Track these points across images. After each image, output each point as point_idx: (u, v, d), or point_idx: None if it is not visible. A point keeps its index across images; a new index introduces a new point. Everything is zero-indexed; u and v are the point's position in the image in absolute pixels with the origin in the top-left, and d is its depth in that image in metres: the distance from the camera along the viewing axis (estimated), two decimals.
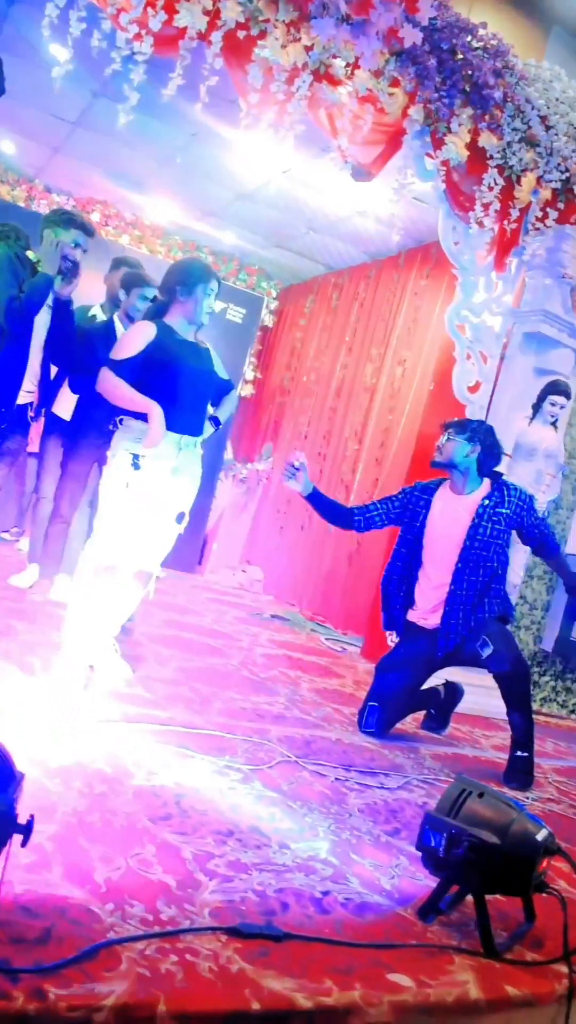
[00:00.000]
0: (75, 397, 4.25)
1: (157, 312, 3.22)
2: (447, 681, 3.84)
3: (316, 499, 3.66)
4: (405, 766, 3.21)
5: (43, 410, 4.05)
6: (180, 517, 3.34)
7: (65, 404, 4.28)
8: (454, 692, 3.82)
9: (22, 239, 3.47)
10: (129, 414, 3.08)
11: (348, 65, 3.95)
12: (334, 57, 3.92)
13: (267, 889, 1.92)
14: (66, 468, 4.30)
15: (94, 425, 4.00)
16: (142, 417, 3.04)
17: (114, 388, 3.06)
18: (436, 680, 3.86)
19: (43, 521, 4.39)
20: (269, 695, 3.74)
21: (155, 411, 3.01)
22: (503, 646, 3.44)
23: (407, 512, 3.72)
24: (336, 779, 2.83)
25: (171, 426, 3.09)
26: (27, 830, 1.43)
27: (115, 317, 4.31)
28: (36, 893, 1.64)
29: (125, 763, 2.45)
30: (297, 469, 3.50)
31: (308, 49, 3.85)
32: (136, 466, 3.05)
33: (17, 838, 1.43)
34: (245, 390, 7.85)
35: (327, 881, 2.06)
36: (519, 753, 3.42)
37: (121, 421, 3.12)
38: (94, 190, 7.14)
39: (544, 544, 3.65)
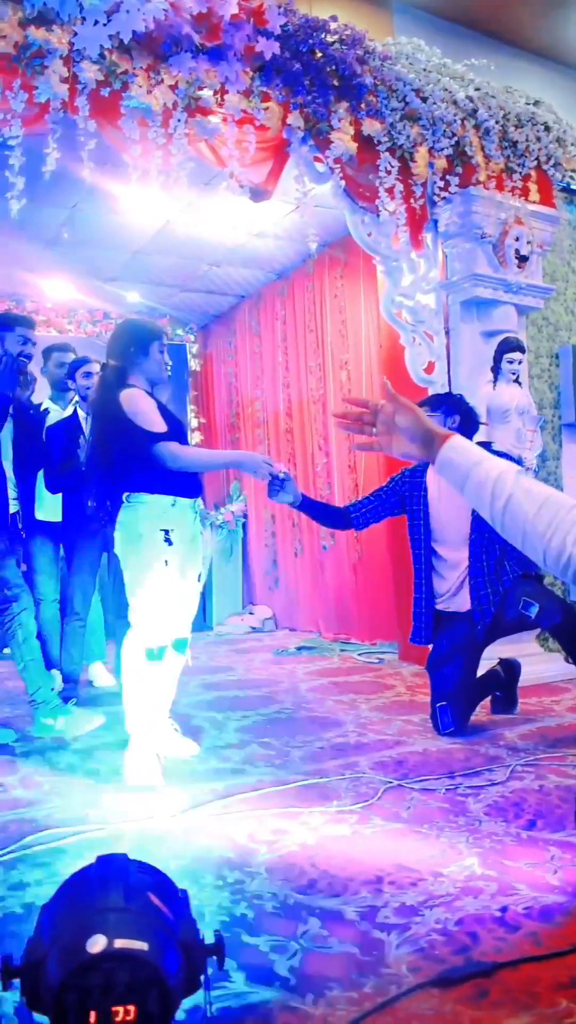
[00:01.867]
0: (58, 498, 4.14)
1: (120, 379, 3.10)
2: (501, 659, 3.77)
3: (308, 506, 3.51)
4: (502, 756, 3.12)
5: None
6: (199, 577, 3.26)
7: (50, 506, 4.15)
8: (512, 668, 3.75)
9: None
10: (139, 490, 2.97)
11: (216, 92, 3.92)
12: (200, 89, 3.88)
13: (447, 924, 1.81)
14: (73, 565, 4.16)
15: (89, 518, 3.87)
16: (157, 490, 2.95)
17: (192, 456, 3.00)
18: (489, 663, 3.80)
19: (49, 623, 4.22)
20: (337, 727, 3.63)
21: (250, 455, 3.12)
22: (546, 600, 3.40)
23: (403, 500, 3.68)
24: (447, 790, 2.72)
25: (187, 492, 3.00)
26: (219, 949, 1.31)
27: (75, 408, 4.26)
28: (231, 1010, 1.51)
29: (242, 842, 2.32)
30: (283, 481, 3.37)
31: (173, 88, 3.81)
32: (169, 542, 2.95)
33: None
34: (194, 438, 7.75)
35: (498, 897, 1.95)
36: None
37: (130, 498, 3.00)
38: None
39: None
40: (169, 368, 3.28)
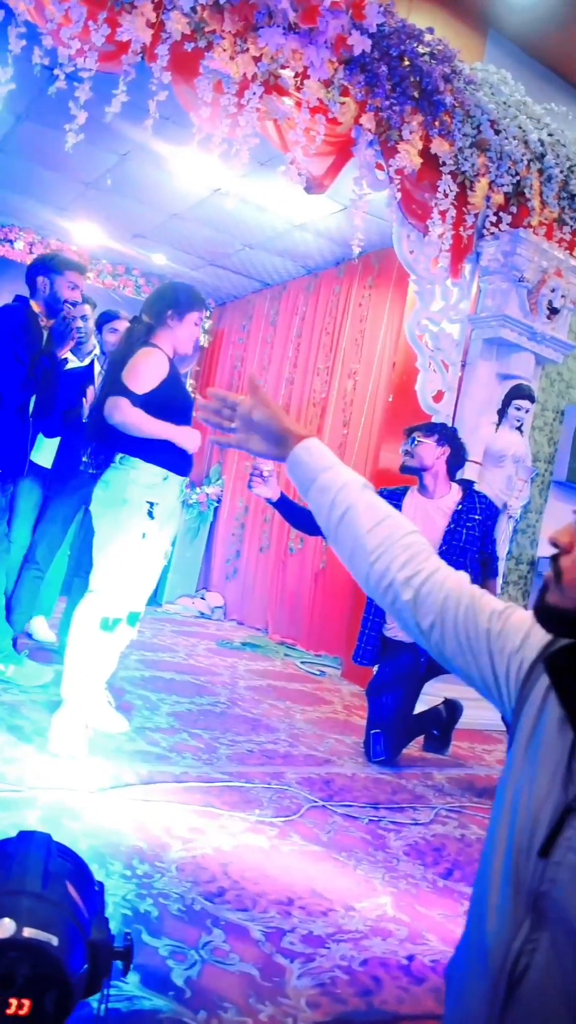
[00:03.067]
0: (55, 444, 3.98)
1: (146, 337, 2.99)
2: (446, 699, 3.74)
3: (284, 505, 3.41)
4: (428, 796, 3.08)
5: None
6: (165, 555, 3.18)
7: (46, 451, 4.00)
8: (455, 710, 3.72)
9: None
10: (134, 455, 2.87)
11: (297, 75, 3.84)
12: (283, 67, 3.80)
13: (352, 963, 1.76)
14: (46, 514, 4.01)
15: (76, 471, 3.75)
16: (151, 459, 2.84)
17: (140, 422, 2.83)
18: (432, 699, 3.78)
19: (12, 569, 4.09)
20: (269, 732, 3.57)
21: (193, 436, 2.95)
22: None
23: None
24: (370, 820, 2.68)
25: (181, 470, 2.92)
26: (127, 955, 1.23)
27: (93, 360, 4.14)
28: (120, 1012, 1.44)
29: (157, 833, 2.24)
30: (267, 474, 3.29)
31: (256, 60, 3.72)
32: (151, 515, 2.85)
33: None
34: None
35: (406, 943, 1.90)
36: None
37: (123, 460, 2.89)
38: (15, 217, 6.84)
39: (488, 563, 3.67)
40: (203, 342, 3.16)
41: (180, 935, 1.74)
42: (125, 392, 2.84)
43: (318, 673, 5.14)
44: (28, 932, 1.08)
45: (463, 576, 1.18)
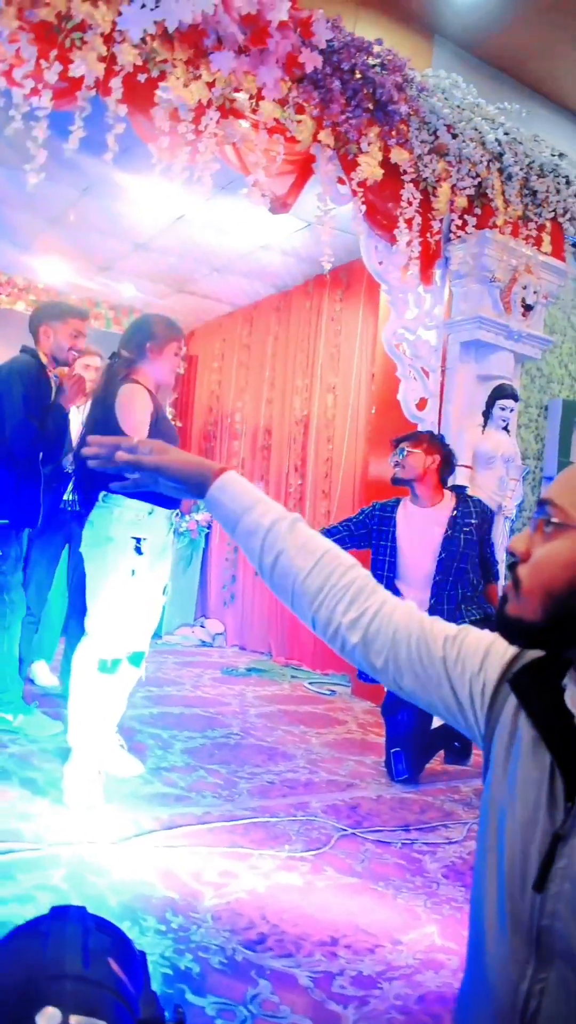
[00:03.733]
0: None
1: (127, 372, 2.95)
2: None
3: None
4: (457, 811, 3.02)
5: None
6: (165, 589, 3.12)
7: None
8: None
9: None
10: (117, 492, 2.81)
11: (251, 97, 3.82)
12: (236, 91, 3.78)
13: (407, 1001, 1.70)
14: (31, 557, 3.93)
15: (51, 511, 3.69)
16: (136, 496, 2.79)
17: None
18: None
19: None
20: (287, 760, 3.50)
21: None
22: None
23: (371, 533, 3.61)
24: (403, 844, 2.61)
25: (166, 502, 2.86)
26: None
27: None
28: None
29: (187, 881, 2.17)
30: None
31: (210, 85, 3.71)
32: (139, 551, 2.79)
33: None
34: None
35: (460, 972, 1.84)
36: None
37: (105, 498, 2.84)
38: None
39: (489, 567, 3.65)
40: (181, 371, 3.13)
41: (226, 991, 1.67)
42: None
43: (328, 693, 5.07)
44: (75, 1020, 1.02)
45: (410, 606, 1.10)
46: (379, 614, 1.09)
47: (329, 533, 3.63)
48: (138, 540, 2.83)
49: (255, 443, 6.81)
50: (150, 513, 2.87)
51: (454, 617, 3.45)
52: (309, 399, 6.20)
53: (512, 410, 4.65)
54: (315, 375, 6.16)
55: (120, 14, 3.47)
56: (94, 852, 2.30)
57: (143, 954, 1.29)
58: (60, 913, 1.26)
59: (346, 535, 3.62)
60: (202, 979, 1.71)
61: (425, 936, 2.00)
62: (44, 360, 3.46)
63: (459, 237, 4.47)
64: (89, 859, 2.24)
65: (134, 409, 2.82)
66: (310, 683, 5.30)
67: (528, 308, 4.63)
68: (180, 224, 5.60)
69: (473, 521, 3.49)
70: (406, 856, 2.52)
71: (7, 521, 3.40)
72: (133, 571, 2.83)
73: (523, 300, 4.60)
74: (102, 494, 2.87)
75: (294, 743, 3.80)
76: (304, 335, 6.36)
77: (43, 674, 4.42)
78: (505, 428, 4.65)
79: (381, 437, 5.12)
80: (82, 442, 2.96)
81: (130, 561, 2.83)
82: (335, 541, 3.58)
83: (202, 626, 6.79)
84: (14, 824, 2.44)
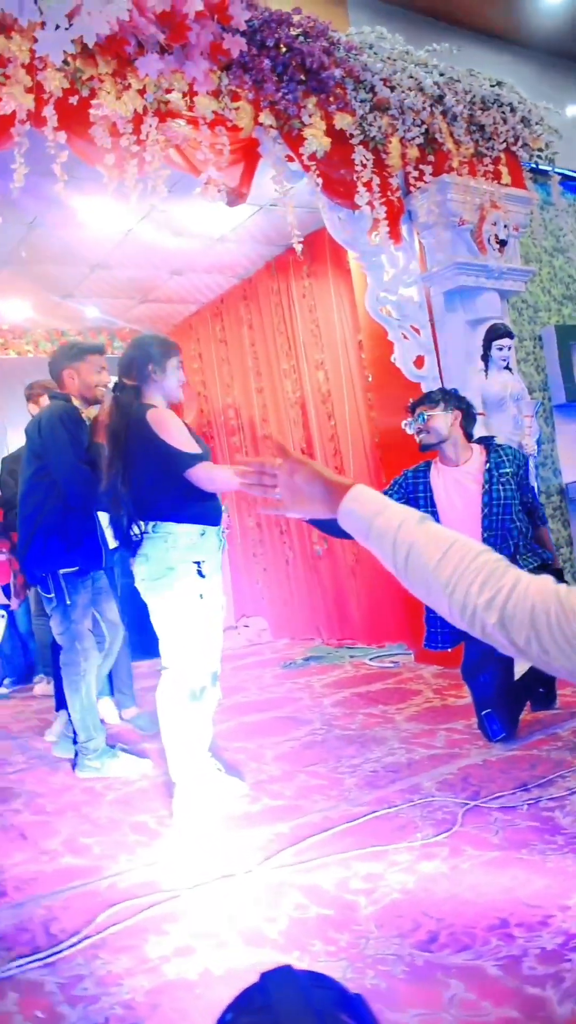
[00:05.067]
0: None
1: (139, 399, 2.91)
2: None
3: (319, 520, 3.40)
4: (567, 758, 3.01)
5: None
6: (223, 605, 3.10)
7: None
8: None
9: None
10: (166, 519, 2.78)
11: (185, 95, 3.73)
12: (168, 92, 3.69)
13: None
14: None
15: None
16: (187, 519, 2.76)
17: (226, 475, 2.81)
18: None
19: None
20: (379, 745, 3.48)
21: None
22: None
23: (408, 502, 3.56)
24: (528, 805, 2.60)
25: (214, 520, 2.83)
26: None
27: None
28: None
29: (336, 894, 2.15)
30: None
31: (141, 92, 3.62)
32: (202, 574, 2.77)
33: None
34: None
35: None
36: None
37: (156, 528, 2.80)
38: None
39: (534, 511, 3.61)
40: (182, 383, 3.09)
41: (421, 1000, 1.65)
42: (194, 459, 2.79)
43: (392, 665, 5.05)
44: None
45: (546, 580, 1.10)
46: (514, 591, 1.08)
47: None
48: (198, 563, 2.81)
49: (254, 433, 6.75)
50: (202, 534, 2.84)
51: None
52: (299, 380, 6.14)
53: (510, 348, 4.60)
54: (299, 355, 6.10)
55: (36, 40, 3.38)
56: (232, 885, 2.28)
57: (360, 997, 1.27)
58: (272, 979, 1.24)
59: None
60: (393, 993, 1.69)
61: None
62: (76, 402, 3.51)
63: (418, 188, 4.39)
64: (230, 893, 2.22)
65: (173, 429, 2.81)
66: (370, 659, 5.28)
67: (503, 244, 4.57)
68: (131, 237, 5.51)
69: (508, 470, 3.45)
70: (536, 816, 2.50)
71: (76, 567, 3.42)
72: (201, 595, 2.81)
73: (496, 236, 4.53)
74: (150, 525, 2.83)
75: (379, 725, 3.79)
76: (278, 318, 6.28)
77: (110, 712, 4.40)
78: (507, 367, 4.61)
79: (384, 402, 5.08)
80: (113, 484, 2.91)
81: (195, 585, 2.80)
82: None
83: (246, 626, 6.77)
84: (144, 874, 2.41)
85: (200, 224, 5.37)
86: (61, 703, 4.16)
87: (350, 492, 1.24)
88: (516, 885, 2.09)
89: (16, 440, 6.00)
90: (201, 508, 2.86)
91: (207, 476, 2.81)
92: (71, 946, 1.96)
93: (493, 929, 1.89)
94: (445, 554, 1.14)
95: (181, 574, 2.79)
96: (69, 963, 1.89)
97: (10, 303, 6.55)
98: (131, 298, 6.81)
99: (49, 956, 1.92)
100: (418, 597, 1.20)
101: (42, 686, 5.33)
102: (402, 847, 2.39)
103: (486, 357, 4.60)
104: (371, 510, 1.21)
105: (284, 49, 3.93)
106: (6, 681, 5.69)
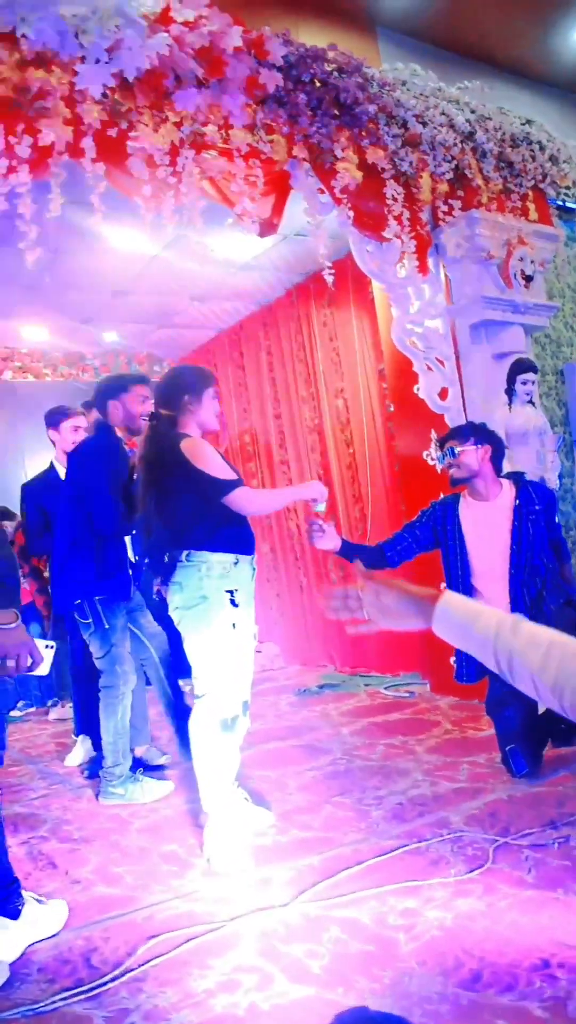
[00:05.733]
0: None
1: (174, 429, 2.93)
2: None
3: (348, 550, 3.41)
4: None
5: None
6: (255, 634, 3.11)
7: None
8: None
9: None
10: (199, 548, 2.80)
11: (220, 128, 3.79)
12: (205, 124, 3.75)
13: None
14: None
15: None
16: (220, 548, 2.79)
17: (264, 499, 2.89)
18: None
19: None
20: (404, 777, 3.47)
21: (311, 484, 3.13)
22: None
23: (436, 534, 3.58)
24: (558, 844, 2.59)
25: (248, 549, 2.85)
26: None
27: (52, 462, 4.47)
28: None
29: (375, 929, 2.15)
30: (326, 527, 3.28)
31: (178, 125, 3.68)
32: (235, 603, 2.78)
33: None
34: None
35: None
36: None
37: (189, 556, 2.82)
38: None
39: (560, 548, 3.64)
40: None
41: None
42: (233, 484, 2.82)
43: (408, 695, 5.05)
44: None
45: None
46: None
47: (395, 543, 3.60)
48: (232, 592, 2.82)
49: (271, 459, 6.78)
50: (235, 563, 2.85)
51: (537, 608, 3.41)
52: (318, 407, 6.18)
53: (534, 382, 4.64)
54: (319, 382, 6.14)
55: (76, 74, 3.44)
56: (270, 918, 2.27)
57: None
58: (347, 1021, 1.25)
59: (411, 542, 3.59)
60: None
61: None
62: (119, 433, 3.59)
63: (447, 222, 4.45)
64: (268, 927, 2.22)
65: (208, 457, 2.84)
66: (385, 688, 5.28)
67: (529, 279, 4.61)
68: (155, 263, 5.57)
69: (537, 507, 3.46)
70: (568, 856, 2.50)
71: (108, 596, 3.48)
72: (234, 624, 2.82)
73: (522, 272, 4.58)
74: (184, 553, 2.85)
75: (401, 756, 3.78)
76: (298, 345, 6.34)
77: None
78: (530, 402, 4.64)
79: (405, 432, 5.11)
80: (147, 512, 2.93)
81: (228, 615, 2.82)
82: (401, 551, 3.57)
83: (258, 651, 6.76)
84: (180, 905, 2.41)
85: (224, 251, 5.42)
86: (82, 727, 4.15)
87: (440, 605, 1.33)
88: (555, 925, 2.08)
89: (33, 464, 6.03)
90: (235, 536, 2.88)
91: (247, 499, 2.84)
92: (114, 979, 1.95)
93: (536, 970, 1.88)
94: (546, 659, 1.23)
95: (214, 603, 2.81)
96: (114, 996, 1.88)
97: (30, 327, 6.62)
98: (150, 323, 6.88)
99: (93, 989, 1.91)
100: (527, 694, 1.28)
101: (57, 710, 5.32)
102: (436, 883, 2.39)
103: (510, 391, 4.64)
104: (464, 620, 1.31)
105: (319, 84, 4.00)
106: (20, 704, 5.69)
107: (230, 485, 2.80)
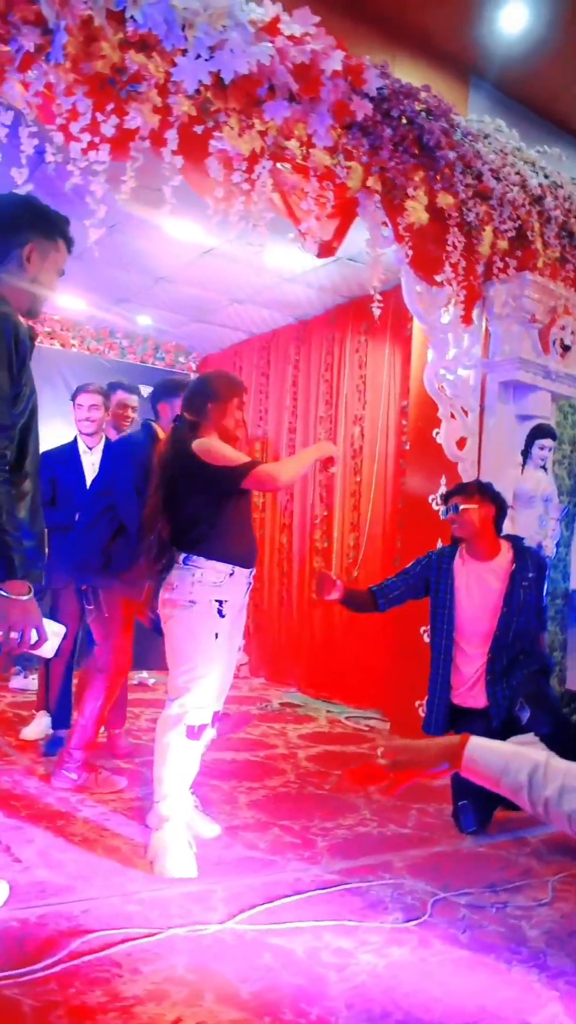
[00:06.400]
0: None
1: (192, 433, 2.96)
2: None
3: (348, 599, 3.57)
4: (534, 867, 3.03)
5: None
6: (240, 648, 3.13)
7: None
8: None
9: None
10: (197, 554, 2.84)
11: (302, 144, 3.82)
12: (287, 138, 3.78)
13: None
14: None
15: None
16: (216, 557, 2.81)
17: (285, 468, 2.96)
18: None
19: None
20: (352, 813, 3.50)
21: (324, 445, 3.27)
22: (541, 707, 3.32)
23: (428, 584, 3.63)
24: (496, 908, 2.62)
25: (246, 562, 2.87)
26: None
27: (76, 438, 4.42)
28: None
29: (307, 964, 2.16)
30: (335, 583, 3.40)
31: (263, 134, 3.71)
32: (222, 613, 2.80)
33: None
34: None
35: None
36: None
37: (186, 560, 2.84)
38: None
39: (541, 615, 3.72)
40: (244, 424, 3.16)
41: None
42: (249, 466, 2.85)
43: (365, 729, 5.07)
44: None
45: None
46: None
47: (387, 589, 3.64)
48: (220, 603, 2.83)
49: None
50: (231, 574, 2.87)
51: (510, 671, 3.44)
52: (333, 430, 6.22)
53: (551, 449, 4.69)
54: (340, 405, 6.18)
55: (175, 65, 3.46)
56: (206, 934, 2.28)
57: None
58: None
59: (404, 590, 3.64)
60: None
61: (552, 1016, 2.01)
62: (162, 434, 3.58)
63: (500, 278, 4.50)
64: (203, 943, 2.23)
65: (218, 451, 2.87)
66: (346, 718, 5.30)
67: (566, 348, 4.67)
68: (206, 258, 5.60)
69: (532, 575, 3.51)
70: (504, 923, 2.52)
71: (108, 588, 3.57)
72: (217, 634, 2.83)
73: (561, 341, 4.64)
74: (181, 556, 2.87)
75: (352, 791, 3.80)
76: (326, 365, 6.38)
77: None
78: (543, 467, 4.69)
79: (416, 472, 5.15)
80: (154, 509, 2.97)
81: (213, 624, 2.83)
82: (393, 599, 3.61)
83: None
84: (119, 904, 2.41)
85: (276, 262, 5.46)
86: (44, 703, 4.15)
87: (467, 753, 1.47)
88: (484, 991, 2.10)
89: (45, 430, 6.02)
90: (234, 548, 2.90)
91: (270, 473, 2.87)
92: (46, 968, 1.96)
93: None
94: None
95: (201, 611, 2.83)
96: (44, 986, 1.89)
97: (68, 297, 6.62)
98: (186, 315, 6.89)
99: (23, 975, 1.91)
100: (560, 829, 1.41)
101: (20, 680, 5.31)
102: (373, 927, 2.41)
103: (526, 453, 4.68)
104: (496, 768, 1.44)
105: (406, 121, 4.04)
106: None
107: (248, 466, 2.83)
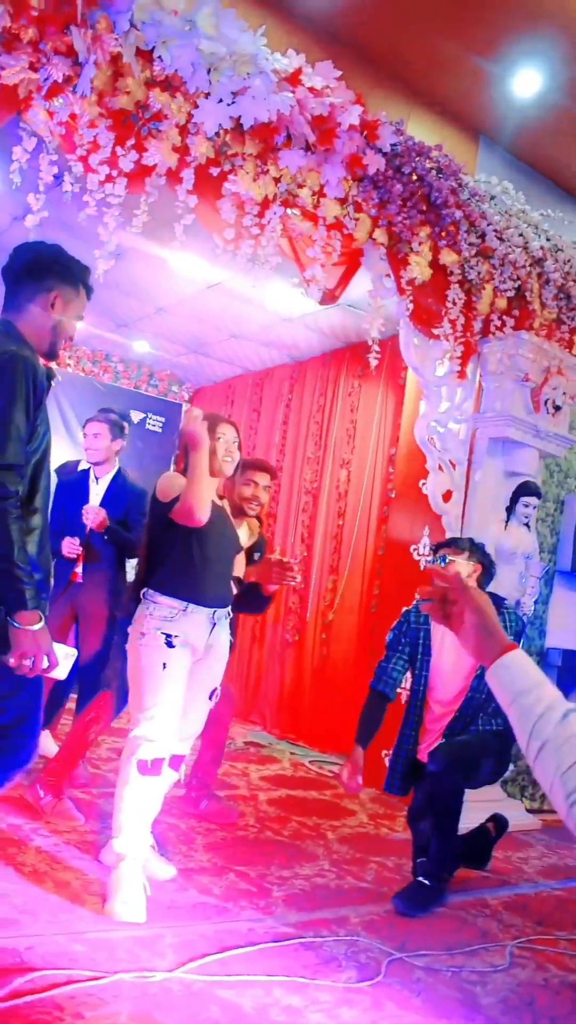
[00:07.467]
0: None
1: (183, 469, 2.98)
2: (495, 815, 3.68)
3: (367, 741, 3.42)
4: (493, 930, 3.00)
5: None
6: (212, 695, 3.10)
7: None
8: (503, 826, 3.66)
9: None
10: (153, 588, 2.89)
11: (314, 193, 3.89)
12: (300, 186, 3.85)
13: None
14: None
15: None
16: (168, 592, 2.86)
17: (190, 490, 2.87)
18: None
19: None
20: (310, 862, 3.45)
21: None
22: (449, 750, 3.23)
23: (411, 646, 3.56)
24: (451, 972, 2.58)
25: (201, 600, 2.86)
26: None
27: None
28: None
29: (253, 1019, 2.11)
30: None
31: (276, 180, 3.77)
32: (171, 644, 2.80)
33: None
34: None
35: None
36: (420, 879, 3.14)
37: (145, 594, 2.89)
38: None
39: None
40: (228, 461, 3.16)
41: None
42: (166, 505, 2.92)
43: (329, 775, 5.02)
44: None
45: None
46: None
47: (386, 676, 3.45)
48: (168, 636, 2.82)
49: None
50: (184, 610, 2.86)
51: (471, 723, 3.40)
52: (320, 471, 6.24)
53: (535, 507, 4.73)
54: (328, 447, 6.21)
55: (197, 106, 3.52)
56: (153, 981, 2.22)
57: None
58: None
59: (400, 664, 3.51)
60: None
61: None
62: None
63: (496, 336, 4.57)
64: (150, 990, 2.17)
65: (168, 487, 2.94)
66: (310, 761, 5.25)
67: (556, 408, 4.74)
68: (208, 292, 5.65)
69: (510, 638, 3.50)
70: (459, 987, 2.49)
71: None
72: (164, 664, 2.81)
73: (552, 401, 4.70)
74: (143, 591, 2.90)
75: (312, 839, 3.76)
76: (317, 407, 6.42)
77: (46, 743, 4.31)
78: (527, 524, 4.72)
79: (399, 521, 5.17)
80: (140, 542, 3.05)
81: (160, 655, 2.82)
82: (396, 679, 3.50)
83: None
84: (64, 943, 2.36)
85: (276, 302, 5.51)
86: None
87: (504, 658, 1.29)
88: None
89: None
90: (188, 584, 2.89)
91: (186, 510, 2.82)
92: None
93: None
94: (572, 767, 1.18)
95: (149, 643, 2.84)
96: None
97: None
98: (183, 345, 6.94)
99: None
100: (541, 785, 1.23)
101: None
102: (325, 985, 2.36)
103: (510, 509, 4.72)
104: (521, 684, 1.26)
105: (416, 178, 4.13)
106: None
107: (172, 503, 2.88)
